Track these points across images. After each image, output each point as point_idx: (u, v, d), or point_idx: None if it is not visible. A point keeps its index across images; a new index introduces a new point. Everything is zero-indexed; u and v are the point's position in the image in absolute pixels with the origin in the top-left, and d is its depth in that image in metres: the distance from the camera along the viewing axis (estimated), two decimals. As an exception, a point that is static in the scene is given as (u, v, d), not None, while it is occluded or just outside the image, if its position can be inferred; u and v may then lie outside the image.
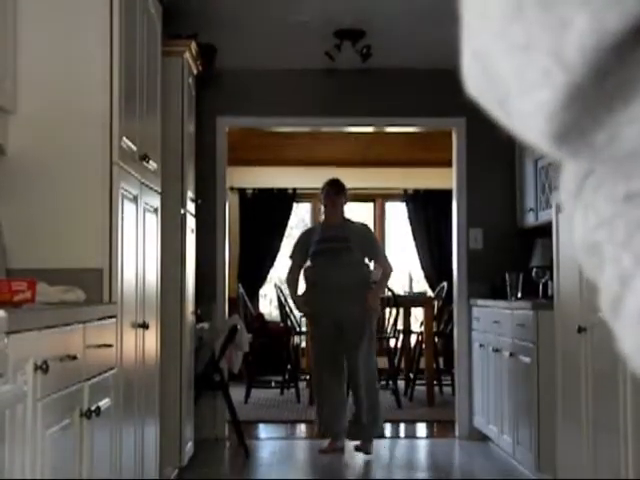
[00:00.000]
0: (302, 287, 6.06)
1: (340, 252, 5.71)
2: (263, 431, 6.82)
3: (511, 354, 5.21)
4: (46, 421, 2.26)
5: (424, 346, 8.25)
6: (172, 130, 4.79)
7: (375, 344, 5.91)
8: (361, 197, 10.71)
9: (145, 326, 3.76)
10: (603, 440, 3.13)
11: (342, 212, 5.92)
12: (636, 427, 2.77)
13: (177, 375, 4.81)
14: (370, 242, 5.91)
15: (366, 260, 5.87)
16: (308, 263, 5.90)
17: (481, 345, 6.03)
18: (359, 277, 5.75)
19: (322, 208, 6.05)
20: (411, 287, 9.36)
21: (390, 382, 8.24)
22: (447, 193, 7.15)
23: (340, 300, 5.66)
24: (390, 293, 8.10)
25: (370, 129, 7.01)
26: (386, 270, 5.92)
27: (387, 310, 8.32)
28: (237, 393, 7.29)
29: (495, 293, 6.26)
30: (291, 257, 6.07)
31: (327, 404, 5.77)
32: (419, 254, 10.42)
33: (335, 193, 5.86)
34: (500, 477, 5.17)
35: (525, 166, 6.25)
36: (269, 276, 10.44)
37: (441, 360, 8.93)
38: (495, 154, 6.52)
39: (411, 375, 8.39)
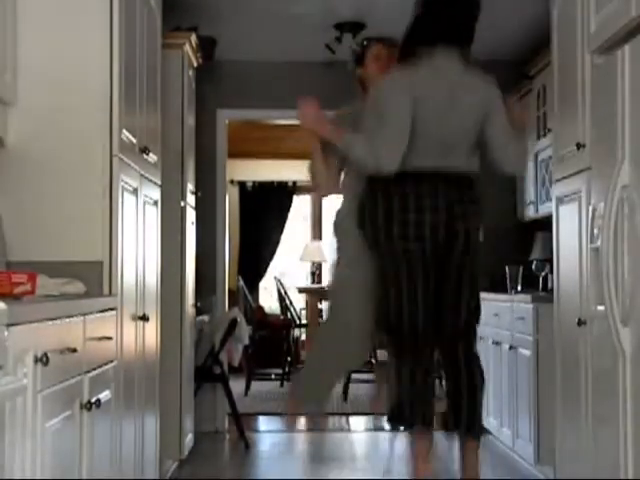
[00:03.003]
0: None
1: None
2: (263, 423, 6.83)
3: (511, 347, 5.21)
4: (46, 413, 2.26)
5: (424, 339, 8.23)
6: (172, 123, 4.79)
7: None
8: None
9: (145, 318, 3.76)
10: (603, 433, 3.13)
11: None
12: (636, 420, 2.77)
13: (177, 368, 4.81)
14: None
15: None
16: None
17: (481, 338, 5.99)
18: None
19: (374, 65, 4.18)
20: (411, 280, 9.35)
21: (390, 375, 8.22)
22: (447, 186, 7.13)
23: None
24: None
25: (370, 122, 6.97)
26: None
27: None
28: (237, 385, 7.30)
29: (495, 286, 6.25)
30: None
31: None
32: (419, 247, 10.41)
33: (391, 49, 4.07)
34: (499, 470, 5.18)
35: (525, 159, 6.23)
36: (269, 269, 10.43)
37: (441, 353, 8.93)
38: (495, 147, 6.50)
39: (411, 368, 8.37)
